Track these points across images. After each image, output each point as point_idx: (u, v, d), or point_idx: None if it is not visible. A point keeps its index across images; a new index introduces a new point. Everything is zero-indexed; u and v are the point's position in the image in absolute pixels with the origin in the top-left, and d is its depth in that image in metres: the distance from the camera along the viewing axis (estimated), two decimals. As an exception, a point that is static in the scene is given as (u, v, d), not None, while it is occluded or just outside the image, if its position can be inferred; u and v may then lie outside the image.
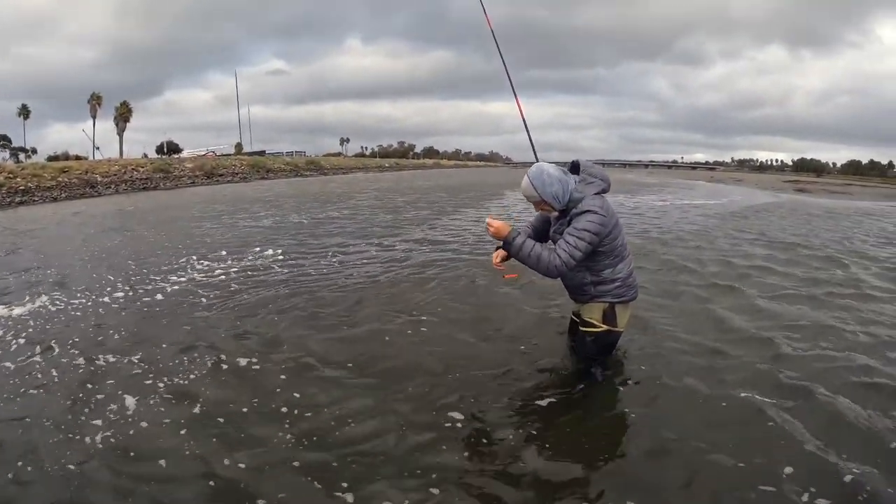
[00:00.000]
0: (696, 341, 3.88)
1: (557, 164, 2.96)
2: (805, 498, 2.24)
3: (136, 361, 3.53)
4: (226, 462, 2.48)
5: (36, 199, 19.45)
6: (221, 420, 2.83)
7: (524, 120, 3.45)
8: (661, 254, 7.22)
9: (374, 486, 2.33)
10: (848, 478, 2.34)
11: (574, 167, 2.97)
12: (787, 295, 5.27)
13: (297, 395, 3.09)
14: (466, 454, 2.57)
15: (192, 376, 3.32)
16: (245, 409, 2.94)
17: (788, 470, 2.39)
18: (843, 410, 2.87)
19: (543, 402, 3.01)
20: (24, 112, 62.31)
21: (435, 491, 2.31)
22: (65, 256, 7.33)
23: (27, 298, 5.03)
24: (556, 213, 2.99)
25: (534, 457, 2.54)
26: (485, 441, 2.69)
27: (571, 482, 2.38)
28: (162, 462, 2.49)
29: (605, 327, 3.03)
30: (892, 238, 10.22)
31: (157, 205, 16.58)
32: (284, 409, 2.94)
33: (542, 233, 3.20)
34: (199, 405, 2.98)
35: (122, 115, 57.57)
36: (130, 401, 3.01)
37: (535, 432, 2.74)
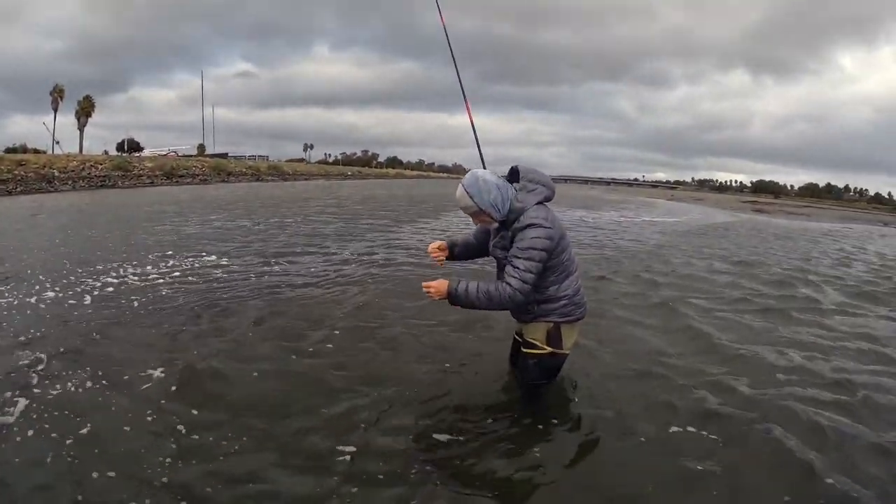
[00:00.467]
0: (656, 359, 3.77)
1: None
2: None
3: (33, 369, 3.24)
4: (94, 475, 2.27)
5: (-10, 191, 18.80)
6: (105, 437, 2.56)
7: (472, 124, 3.26)
8: (621, 269, 7.23)
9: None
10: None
11: (513, 174, 2.70)
12: (749, 311, 5.37)
13: (194, 410, 2.80)
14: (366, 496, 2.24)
15: (82, 388, 3.03)
16: (127, 427, 2.65)
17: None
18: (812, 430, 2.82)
19: (471, 434, 2.70)
20: (-18, 102, 60.17)
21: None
22: (5, 252, 6.99)
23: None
24: (496, 225, 2.73)
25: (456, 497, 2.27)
26: (384, 483, 2.33)
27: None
28: (33, 479, 2.25)
29: (548, 349, 2.75)
30: (850, 258, 10.68)
31: (111, 203, 16.30)
32: (178, 424, 2.67)
33: (484, 246, 2.92)
34: (84, 419, 2.69)
35: (84, 110, 55.31)
36: (23, 403, 2.79)
37: (454, 471, 2.43)
